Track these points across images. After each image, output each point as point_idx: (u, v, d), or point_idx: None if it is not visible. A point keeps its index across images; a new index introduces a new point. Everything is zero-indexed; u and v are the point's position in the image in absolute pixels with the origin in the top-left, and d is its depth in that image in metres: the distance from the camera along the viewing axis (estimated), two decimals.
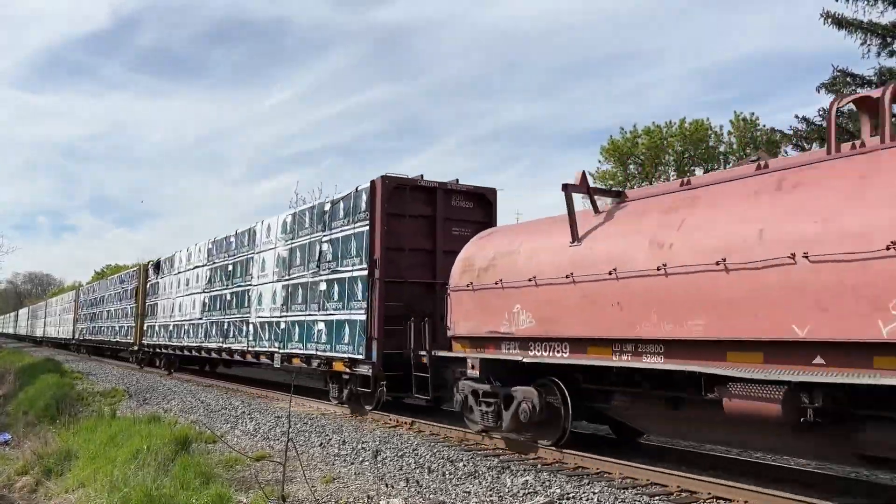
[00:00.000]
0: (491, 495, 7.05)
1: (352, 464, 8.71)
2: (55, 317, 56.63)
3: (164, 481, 7.12)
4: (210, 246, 21.56)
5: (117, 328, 33.56)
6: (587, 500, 6.90)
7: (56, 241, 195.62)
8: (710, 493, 7.00)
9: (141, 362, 29.54)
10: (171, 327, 24.89)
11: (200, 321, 21.57)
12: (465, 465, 8.49)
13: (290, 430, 9.78)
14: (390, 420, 12.36)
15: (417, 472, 8.18)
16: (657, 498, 6.98)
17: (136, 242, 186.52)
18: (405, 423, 11.98)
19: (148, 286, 28.69)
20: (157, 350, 26.81)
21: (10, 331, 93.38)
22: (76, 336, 45.07)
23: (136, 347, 29.53)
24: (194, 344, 22.09)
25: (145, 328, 28.37)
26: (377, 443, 10.04)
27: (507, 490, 7.26)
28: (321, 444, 10.19)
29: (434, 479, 7.80)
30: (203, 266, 21.97)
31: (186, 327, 22.93)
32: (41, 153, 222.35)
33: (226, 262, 20.07)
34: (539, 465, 8.60)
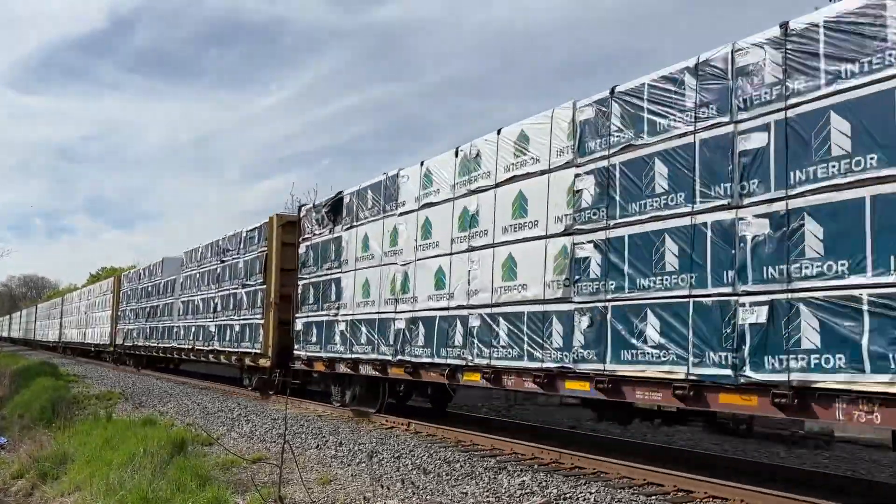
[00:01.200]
0: (488, 496, 7.07)
1: (348, 465, 8.72)
2: (78, 315, 43.14)
3: (161, 484, 7.13)
4: (591, 111, 8.47)
5: (213, 329, 20.05)
6: (584, 500, 6.93)
7: (51, 242, 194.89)
8: (706, 493, 7.04)
9: (269, 387, 16.88)
10: (398, 324, 11.64)
11: (561, 308, 8.57)
12: (461, 466, 8.51)
13: (287, 431, 9.82)
14: (387, 421, 12.36)
15: (414, 473, 8.19)
16: (654, 497, 7.02)
17: (133, 244, 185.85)
18: (402, 424, 11.99)
19: (302, 250, 15.32)
20: (339, 371, 13.61)
21: (15, 334, 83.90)
22: (117, 340, 32.10)
23: (265, 361, 16.57)
24: (532, 366, 8.84)
25: (300, 328, 15.05)
26: (374, 444, 10.05)
27: (503, 490, 7.28)
28: (317, 445, 10.20)
29: (431, 479, 7.82)
30: (561, 168, 8.79)
31: (475, 326, 9.87)
32: (36, 154, 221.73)
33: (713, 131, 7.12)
34: (536, 466, 8.63)
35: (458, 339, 10.11)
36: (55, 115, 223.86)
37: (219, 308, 19.84)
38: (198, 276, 22.18)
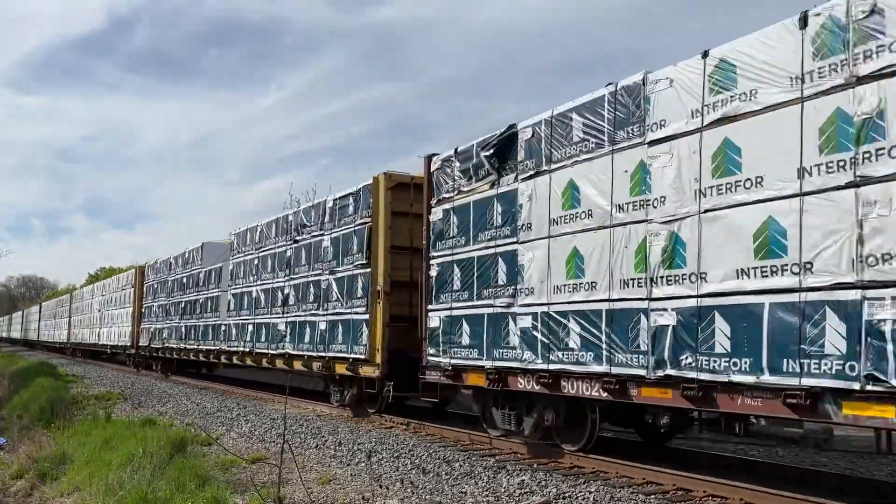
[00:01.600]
0: (487, 495, 7.08)
1: (348, 465, 8.73)
2: (91, 313, 38.99)
3: (160, 484, 7.14)
4: None
5: (283, 328, 15.80)
6: (583, 499, 6.94)
7: (50, 243, 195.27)
8: (705, 492, 7.06)
9: (371, 404, 13.10)
10: (659, 319, 7.40)
11: None
12: (461, 466, 8.53)
13: (286, 431, 9.81)
14: (386, 421, 12.36)
15: (413, 472, 8.20)
16: (653, 497, 7.03)
17: (132, 245, 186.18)
18: (401, 423, 11.99)
19: (436, 216, 11.16)
20: (517, 388, 9.31)
21: (16, 335, 79.64)
22: (141, 341, 28.23)
23: (371, 370, 12.33)
24: None
25: (437, 325, 10.85)
26: (373, 444, 10.06)
27: (503, 490, 7.29)
28: (317, 445, 10.21)
29: (430, 479, 7.84)
30: None
31: (890, 319, 5.61)
32: (34, 155, 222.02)
33: None
34: (535, 465, 8.64)
35: (836, 345, 5.81)
36: (54, 115, 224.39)
37: (291, 301, 15.43)
38: (256, 261, 17.51)
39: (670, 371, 7.09)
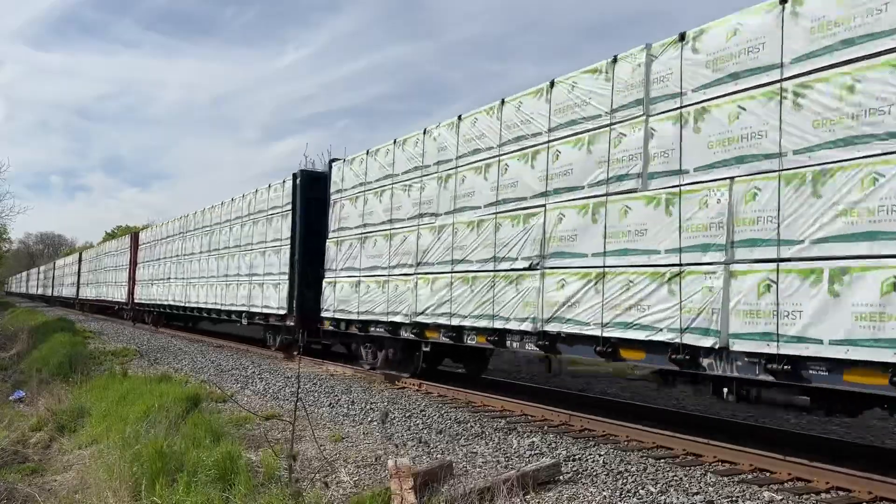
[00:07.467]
0: (497, 455, 7.15)
1: (360, 424, 8.83)
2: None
3: (175, 439, 7.25)
4: None
5: None
6: (593, 461, 6.98)
7: (68, 200, 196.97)
8: (714, 457, 7.09)
9: None
10: None
11: None
12: (472, 426, 8.60)
13: (300, 390, 9.92)
14: (398, 382, 12.48)
15: (425, 432, 8.29)
16: (663, 461, 7.06)
17: (148, 203, 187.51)
18: (413, 384, 12.09)
19: None
20: None
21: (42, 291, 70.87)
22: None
23: None
24: None
25: None
26: (385, 403, 10.16)
27: (513, 451, 7.36)
28: (330, 404, 10.33)
29: (441, 439, 7.91)
30: None
31: None
32: (53, 112, 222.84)
33: None
34: (546, 427, 8.70)
35: None
36: (73, 72, 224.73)
37: None
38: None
39: None
